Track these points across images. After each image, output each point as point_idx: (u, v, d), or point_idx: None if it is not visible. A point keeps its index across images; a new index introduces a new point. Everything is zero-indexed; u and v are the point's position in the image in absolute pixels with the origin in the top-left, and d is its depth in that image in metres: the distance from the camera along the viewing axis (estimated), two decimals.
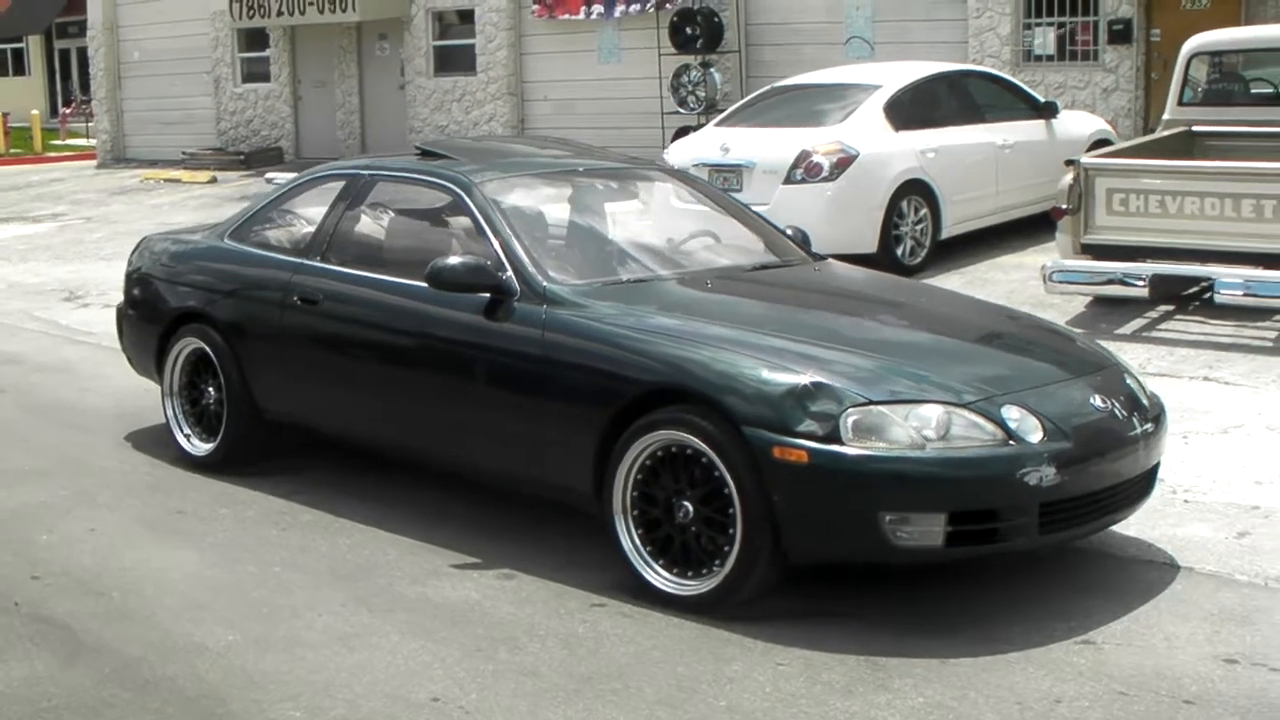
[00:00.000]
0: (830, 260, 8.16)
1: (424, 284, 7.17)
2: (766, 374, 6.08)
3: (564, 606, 6.36)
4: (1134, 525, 6.98)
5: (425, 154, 8.29)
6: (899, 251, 13.51)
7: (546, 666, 5.74)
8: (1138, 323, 11.51)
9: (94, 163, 31.57)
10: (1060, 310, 11.67)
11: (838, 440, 5.86)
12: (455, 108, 24.83)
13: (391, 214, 8.28)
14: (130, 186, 26.23)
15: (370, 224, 8.23)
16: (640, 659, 5.79)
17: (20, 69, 51.72)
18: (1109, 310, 11.80)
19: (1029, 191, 14.91)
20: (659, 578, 6.32)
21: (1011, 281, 13.14)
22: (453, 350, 7.18)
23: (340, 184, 8.33)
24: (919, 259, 13.74)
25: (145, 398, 9.89)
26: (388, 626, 6.17)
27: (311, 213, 8.48)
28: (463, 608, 6.36)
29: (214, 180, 25.68)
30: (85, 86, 40.10)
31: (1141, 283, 11.13)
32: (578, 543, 7.04)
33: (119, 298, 9.60)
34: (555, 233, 7.73)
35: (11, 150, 37.36)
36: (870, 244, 13.15)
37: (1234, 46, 13.85)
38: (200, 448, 8.58)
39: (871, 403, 5.94)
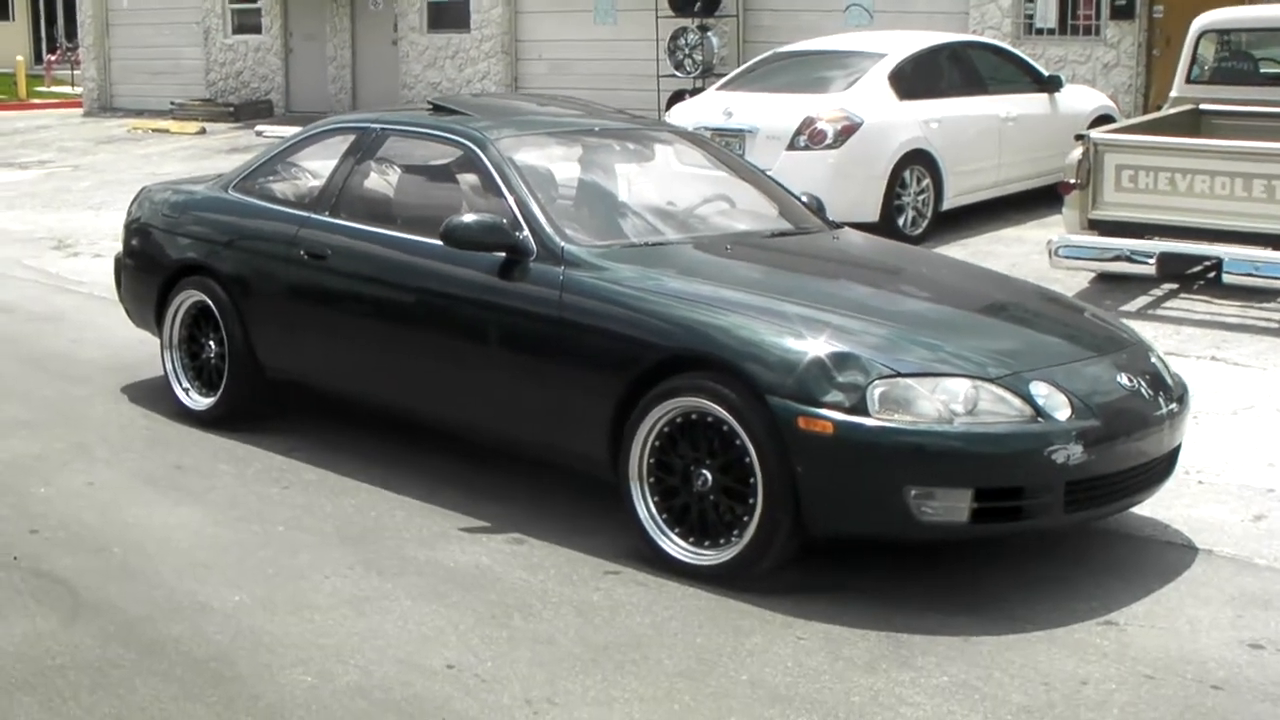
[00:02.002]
0: (847, 228, 8.04)
1: (436, 241, 7.04)
2: (792, 343, 5.97)
3: (576, 573, 6.25)
4: (1150, 506, 6.88)
5: (437, 109, 8.15)
6: (900, 221, 13.40)
7: (562, 635, 5.63)
8: (1143, 300, 11.43)
9: (80, 111, 31.28)
10: (1064, 286, 11.52)
11: (864, 412, 5.75)
12: (448, 65, 24.62)
13: (402, 169, 8.14)
14: (118, 136, 25.99)
15: (381, 179, 8.09)
16: (658, 629, 5.69)
17: (4, 14, 51.13)
18: (1113, 287, 11.71)
19: (1031, 165, 14.83)
20: (675, 547, 6.20)
21: (1013, 255, 13.04)
22: (465, 310, 7.05)
23: (350, 138, 8.18)
24: (920, 229, 13.64)
25: (140, 349, 9.76)
26: (398, 590, 6.05)
27: (318, 166, 8.34)
28: (474, 572, 6.25)
29: (203, 131, 25.46)
30: (71, 33, 39.72)
31: (1149, 260, 11.03)
32: (587, 508, 6.93)
33: (109, 247, 9.47)
34: (570, 193, 7.60)
35: None
36: (872, 213, 13.03)
37: (1243, 25, 13.78)
38: (199, 402, 8.44)
39: (899, 375, 5.83)
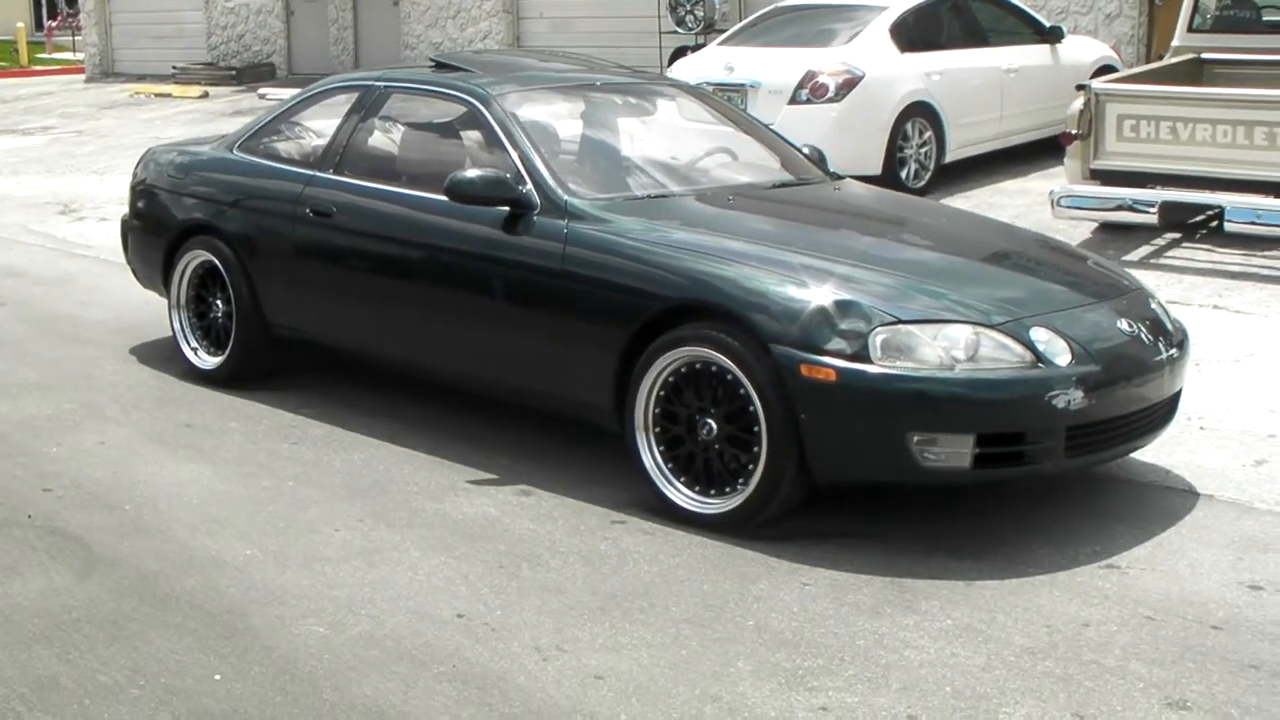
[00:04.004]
0: (849, 180, 8.08)
1: (440, 197, 7.09)
2: (794, 291, 6.01)
3: (584, 523, 6.31)
4: (1151, 452, 6.94)
5: (440, 66, 8.19)
6: (903, 174, 13.41)
7: (570, 583, 5.70)
8: (1145, 250, 11.45)
9: (82, 77, 31.28)
10: (1066, 236, 11.52)
11: (866, 359, 5.80)
12: (450, 24, 24.58)
13: (406, 126, 8.17)
14: (120, 101, 26.00)
15: (384, 136, 8.12)
16: (664, 577, 5.75)
17: None
18: (1115, 236, 11.73)
19: (1033, 117, 14.83)
20: (681, 495, 6.27)
21: (1016, 206, 13.05)
22: (470, 264, 7.10)
23: (353, 96, 8.21)
24: (923, 182, 13.64)
25: (146, 310, 9.83)
26: (407, 542, 6.11)
27: (322, 125, 8.37)
28: (482, 524, 6.31)
29: (205, 95, 25.45)
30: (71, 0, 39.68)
31: (1152, 209, 11.06)
32: (593, 460, 7.00)
33: (114, 211, 9.52)
34: (573, 147, 7.63)
35: None
36: (875, 166, 13.04)
37: None
38: (207, 361, 8.50)
39: (900, 322, 5.88)
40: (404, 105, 8.15)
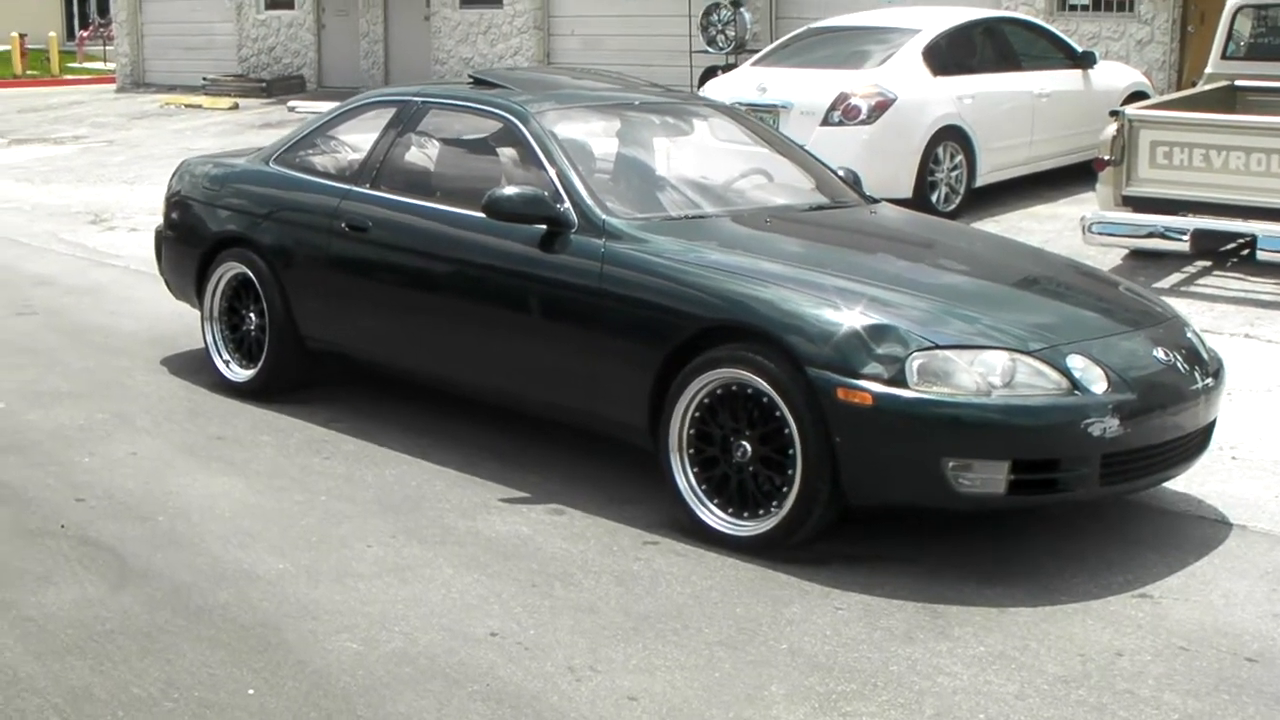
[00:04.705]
0: (884, 203, 8.08)
1: (477, 213, 7.11)
2: (831, 315, 6.01)
3: (616, 543, 6.31)
4: (1183, 481, 6.92)
5: (478, 83, 8.21)
6: (934, 198, 13.40)
7: (603, 603, 5.70)
8: (1176, 277, 11.43)
9: (113, 86, 31.42)
10: (1097, 262, 11.50)
11: (903, 384, 5.80)
12: (480, 40, 24.65)
13: (443, 142, 8.19)
14: (150, 111, 26.10)
15: (422, 152, 8.14)
16: (698, 599, 5.75)
17: None
18: (1146, 263, 11.72)
19: (1064, 142, 14.82)
20: (714, 517, 6.27)
21: (1046, 231, 13.04)
22: (506, 281, 7.11)
23: (391, 111, 8.23)
24: (953, 206, 13.62)
25: (177, 322, 9.86)
26: (440, 559, 6.12)
27: (358, 139, 8.39)
28: (514, 542, 6.31)
29: (235, 107, 25.55)
30: (103, 9, 39.88)
31: (1183, 237, 11.03)
32: (624, 479, 7.00)
33: (144, 221, 9.55)
34: (610, 166, 7.64)
35: (29, 72, 37.16)
36: (906, 189, 13.03)
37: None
38: (239, 374, 8.52)
39: (937, 347, 5.88)
40: (441, 121, 8.17)
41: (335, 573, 5.98)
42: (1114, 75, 15.96)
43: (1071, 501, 6.17)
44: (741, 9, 20.77)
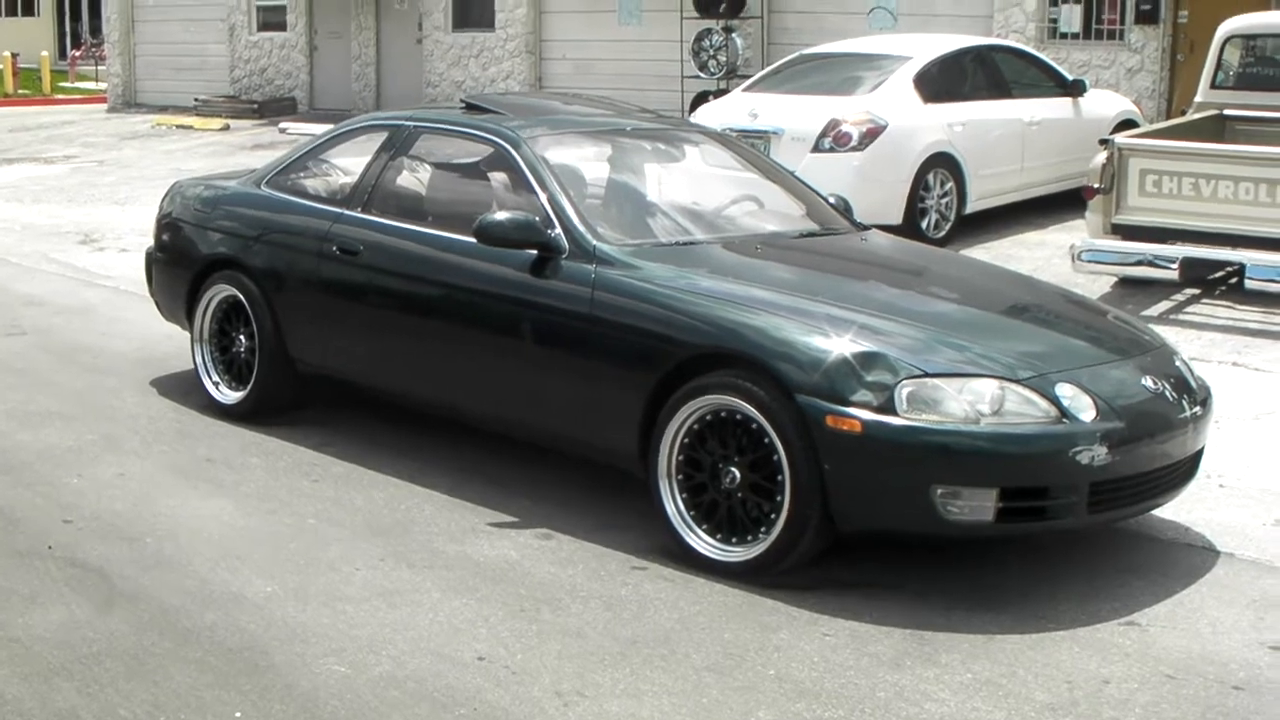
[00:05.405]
0: (874, 230, 8.11)
1: (468, 238, 7.13)
2: (821, 342, 6.03)
3: (604, 568, 6.31)
4: (1171, 509, 6.93)
5: (470, 107, 8.23)
6: (924, 224, 13.43)
7: (591, 628, 5.70)
8: (1164, 305, 11.46)
9: (104, 106, 31.38)
10: (1086, 290, 11.55)
11: (892, 411, 5.82)
12: (473, 64, 24.69)
13: (435, 167, 8.20)
14: (142, 131, 26.10)
15: (414, 176, 8.16)
16: (685, 624, 5.75)
17: (29, 9, 51.28)
18: (1135, 291, 11.75)
19: (1054, 169, 14.87)
20: (702, 543, 6.27)
21: (1035, 259, 13.07)
22: (497, 307, 7.12)
23: (383, 135, 8.24)
24: (943, 232, 13.66)
25: (167, 343, 9.85)
26: (428, 583, 6.12)
27: (350, 163, 8.41)
28: (503, 566, 6.32)
29: (227, 128, 25.56)
30: (95, 29, 39.89)
31: (1172, 265, 11.06)
32: (613, 504, 7.01)
33: (135, 242, 9.55)
34: (602, 192, 7.66)
35: (20, 91, 37.16)
36: (896, 215, 13.06)
37: (1269, 31, 13.77)
38: (229, 396, 8.51)
39: (927, 375, 5.90)
40: (433, 145, 8.19)
41: (323, 596, 5.98)
42: (1104, 103, 16.02)
43: (1060, 530, 6.19)
44: (733, 34, 20.83)
